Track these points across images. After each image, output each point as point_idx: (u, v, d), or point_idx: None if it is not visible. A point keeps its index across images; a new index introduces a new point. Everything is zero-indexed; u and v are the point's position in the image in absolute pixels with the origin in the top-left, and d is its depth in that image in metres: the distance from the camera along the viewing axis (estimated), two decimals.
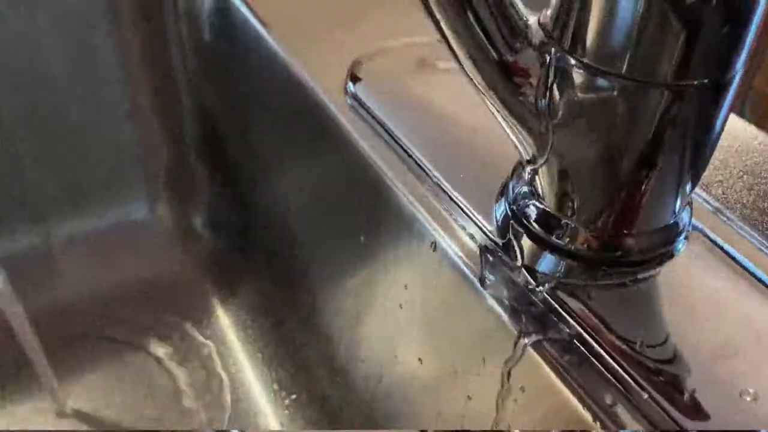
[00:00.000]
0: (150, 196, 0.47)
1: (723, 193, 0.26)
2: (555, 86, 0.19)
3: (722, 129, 0.19)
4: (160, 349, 0.45)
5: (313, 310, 0.39)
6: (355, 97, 0.31)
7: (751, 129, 0.30)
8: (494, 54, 0.19)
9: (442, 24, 0.19)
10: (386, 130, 0.29)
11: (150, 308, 0.46)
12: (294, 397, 0.41)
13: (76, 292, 0.47)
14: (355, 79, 0.31)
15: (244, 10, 0.37)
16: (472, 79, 0.20)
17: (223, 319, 0.46)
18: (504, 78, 0.19)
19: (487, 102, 0.21)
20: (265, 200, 0.43)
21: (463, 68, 0.20)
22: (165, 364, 0.44)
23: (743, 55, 0.18)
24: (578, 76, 0.18)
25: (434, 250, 0.25)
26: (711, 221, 0.24)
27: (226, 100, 0.41)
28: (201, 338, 0.45)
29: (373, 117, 0.29)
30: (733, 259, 0.23)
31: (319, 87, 0.32)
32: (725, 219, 0.25)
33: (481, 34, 0.19)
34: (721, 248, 0.23)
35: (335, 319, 0.37)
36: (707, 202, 0.25)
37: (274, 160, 0.40)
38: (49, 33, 0.40)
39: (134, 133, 0.44)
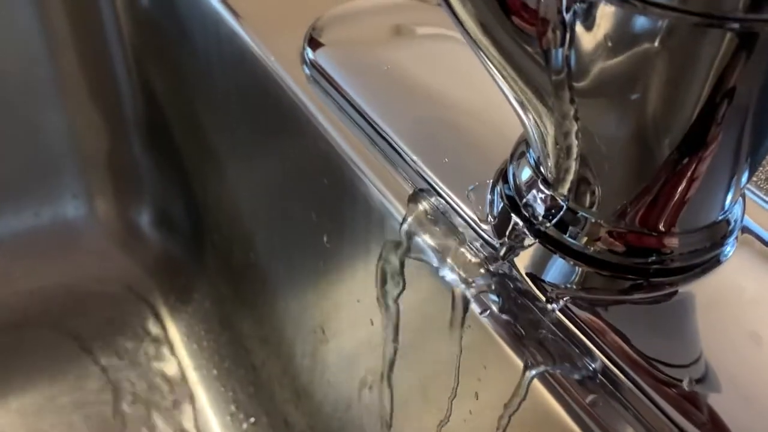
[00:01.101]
0: (87, 190, 0.41)
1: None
2: (573, 27, 0.13)
3: None
4: (100, 365, 0.39)
5: (273, 322, 0.34)
6: (314, 65, 0.25)
7: None
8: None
9: None
10: (353, 106, 0.23)
11: (90, 318, 0.41)
12: (253, 420, 0.36)
13: (2, 301, 0.41)
14: (315, 44, 0.26)
15: None
16: (460, 24, 0.15)
17: (173, 332, 0.40)
18: (506, 20, 0.14)
19: (483, 59, 0.15)
20: (218, 194, 0.37)
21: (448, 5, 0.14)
22: (108, 381, 0.38)
23: None
24: (608, 10, 0.13)
25: (406, 251, 0.20)
26: (764, 218, 0.19)
27: (169, 76, 0.36)
28: (148, 351, 0.39)
29: (337, 90, 0.24)
30: None
31: (272, 55, 0.26)
32: None
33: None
34: None
35: (298, 334, 0.31)
36: (756, 193, 0.20)
37: (227, 147, 0.34)
38: None
39: (65, 118, 0.38)
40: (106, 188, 0.41)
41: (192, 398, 0.37)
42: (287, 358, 0.33)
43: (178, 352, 0.39)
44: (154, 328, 0.40)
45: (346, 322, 0.26)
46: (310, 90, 0.25)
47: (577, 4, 0.13)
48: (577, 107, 0.15)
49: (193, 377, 0.38)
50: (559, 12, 0.14)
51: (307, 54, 0.26)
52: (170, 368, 0.39)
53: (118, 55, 0.35)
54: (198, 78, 0.34)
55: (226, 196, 0.36)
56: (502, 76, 0.15)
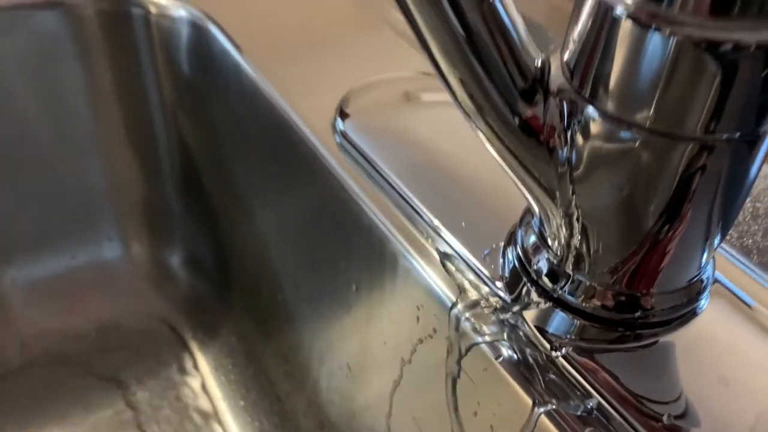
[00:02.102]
0: (123, 233, 0.45)
1: (739, 237, 0.25)
2: (574, 137, 0.17)
3: (754, 181, 0.18)
4: (134, 396, 0.42)
5: (299, 357, 0.37)
6: (344, 135, 0.29)
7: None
8: (505, 103, 0.17)
9: (445, 71, 0.17)
10: (379, 173, 0.27)
11: (124, 352, 0.44)
12: None
13: (44, 336, 0.44)
14: (344, 115, 0.29)
15: (222, 39, 0.35)
16: (478, 128, 0.18)
17: (202, 365, 0.43)
18: (517, 129, 0.17)
19: (493, 151, 0.19)
20: (246, 239, 0.40)
21: (465, 114, 0.18)
22: (140, 412, 0.41)
23: None
24: (600, 127, 0.17)
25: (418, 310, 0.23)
26: (730, 271, 0.23)
27: (204, 133, 0.39)
28: (178, 384, 0.42)
29: (365, 157, 0.28)
30: (762, 312, 0.21)
31: (305, 123, 0.30)
32: (745, 267, 0.23)
33: (488, 81, 0.17)
34: (750, 306, 0.21)
35: (323, 369, 0.35)
36: (723, 248, 0.24)
37: (256, 197, 0.38)
38: (12, 62, 0.38)
39: (105, 167, 0.42)
40: (141, 232, 0.45)
41: (222, 428, 0.40)
42: (312, 391, 0.36)
43: (207, 385, 0.42)
44: (183, 362, 0.43)
45: (372, 362, 0.29)
46: (341, 157, 0.28)
47: (576, 119, 0.17)
48: (577, 195, 0.18)
49: (222, 408, 0.41)
50: (562, 121, 0.17)
51: (338, 124, 0.29)
52: (200, 400, 0.42)
53: (157, 110, 0.39)
54: (230, 133, 0.37)
55: (254, 241, 0.39)
56: (510, 167, 0.19)
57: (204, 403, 0.41)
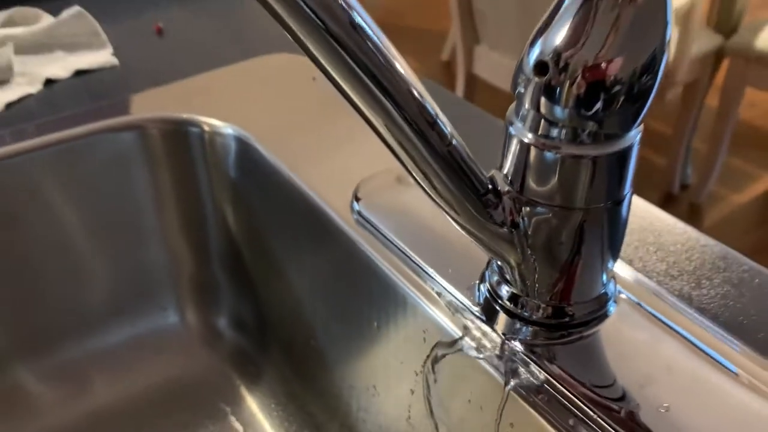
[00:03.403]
0: (179, 303, 0.55)
1: (643, 266, 0.36)
2: (523, 218, 0.28)
3: (626, 225, 0.29)
4: None
5: (331, 389, 0.47)
6: (360, 213, 0.40)
7: (657, 212, 0.40)
8: (475, 207, 0.27)
9: (429, 191, 0.27)
10: (389, 240, 0.38)
11: (185, 401, 0.53)
12: None
13: (113, 394, 0.54)
14: (358, 198, 0.41)
15: (260, 148, 0.46)
16: (456, 221, 0.29)
17: (251, 406, 0.53)
18: (485, 221, 0.28)
19: (465, 234, 0.29)
20: (281, 299, 0.51)
21: (446, 213, 0.28)
22: None
23: (628, 183, 0.27)
24: (533, 210, 0.27)
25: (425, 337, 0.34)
26: (634, 288, 0.33)
27: (245, 219, 0.50)
28: (234, 422, 0.51)
29: (377, 229, 0.38)
30: (653, 315, 0.32)
31: (329, 206, 0.41)
32: (645, 286, 0.34)
33: (463, 193, 0.27)
34: (642, 307, 0.32)
35: (353, 393, 0.44)
36: (629, 272, 0.35)
37: (290, 265, 0.48)
38: (95, 169, 0.49)
39: (165, 251, 0.53)
40: (193, 301, 0.55)
41: None
42: (345, 415, 0.46)
43: (256, 421, 0.52)
44: (234, 405, 0.53)
45: (392, 378, 0.39)
46: (358, 229, 0.39)
47: (521, 208, 0.28)
48: (529, 250, 0.29)
49: None
50: (513, 212, 0.28)
51: (354, 206, 0.40)
52: None
53: (208, 204, 0.50)
54: (267, 218, 0.48)
55: (288, 300, 0.50)
56: (480, 243, 0.30)
57: None
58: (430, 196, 0.27)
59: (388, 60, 0.23)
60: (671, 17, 0.25)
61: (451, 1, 1.70)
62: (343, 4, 0.22)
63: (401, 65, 0.24)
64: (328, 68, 0.23)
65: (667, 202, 1.87)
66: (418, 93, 0.24)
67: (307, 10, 0.22)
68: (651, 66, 0.25)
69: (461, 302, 0.33)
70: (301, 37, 0.22)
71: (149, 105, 0.51)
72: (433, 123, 0.25)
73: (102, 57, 0.58)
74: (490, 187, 0.28)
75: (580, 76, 0.24)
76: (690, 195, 1.88)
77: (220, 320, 0.56)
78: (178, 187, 0.50)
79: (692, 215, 1.84)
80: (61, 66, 0.57)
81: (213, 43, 0.62)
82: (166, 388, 0.54)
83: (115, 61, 0.58)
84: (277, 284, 0.50)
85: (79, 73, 0.57)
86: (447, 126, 0.26)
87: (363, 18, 0.22)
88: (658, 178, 1.93)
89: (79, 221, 0.51)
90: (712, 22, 1.75)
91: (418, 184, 0.27)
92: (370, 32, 0.23)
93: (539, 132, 0.26)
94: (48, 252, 0.49)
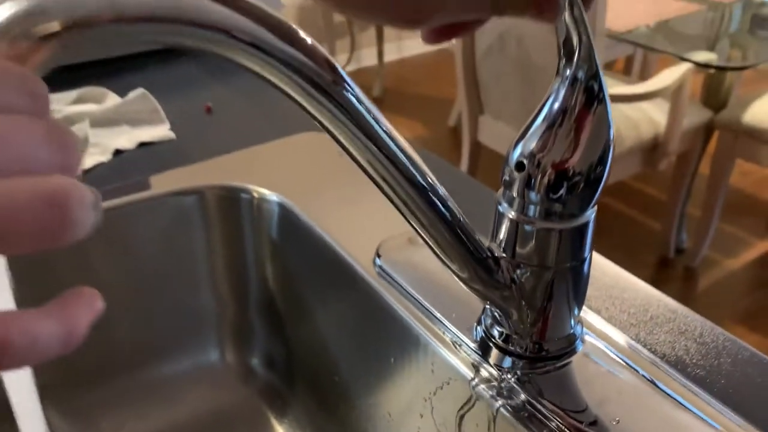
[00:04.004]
0: (218, 343, 0.64)
1: (608, 316, 0.45)
2: (517, 276, 0.37)
3: (587, 280, 0.38)
4: None
5: (352, 419, 0.55)
6: (382, 267, 0.49)
7: (624, 273, 0.49)
8: (479, 270, 0.37)
9: (441, 256, 0.37)
10: (403, 288, 0.47)
11: (223, 430, 0.61)
12: None
13: (162, 420, 0.62)
14: (380, 255, 0.50)
15: (299, 212, 0.56)
16: (465, 282, 0.38)
17: None
18: (488, 280, 0.37)
19: (472, 291, 0.39)
20: (308, 341, 0.59)
21: (455, 274, 0.38)
22: None
23: (587, 245, 0.37)
24: (523, 270, 0.37)
25: (432, 368, 0.43)
26: (600, 332, 0.42)
27: (281, 272, 0.60)
28: None
29: (394, 280, 0.48)
30: (612, 352, 0.41)
31: (355, 261, 0.50)
32: (609, 330, 0.43)
33: (467, 259, 0.37)
34: (605, 347, 0.41)
35: (370, 421, 0.53)
36: (597, 320, 0.43)
37: (318, 311, 0.57)
38: (158, 226, 0.58)
39: (211, 297, 0.62)
40: (231, 341, 0.64)
41: None
42: None
43: None
44: None
45: (405, 406, 0.48)
46: (380, 281, 0.49)
47: (514, 269, 0.37)
48: (522, 300, 0.38)
49: None
50: (509, 271, 0.37)
51: (376, 261, 0.50)
52: None
53: (251, 259, 0.59)
54: (300, 271, 0.58)
55: (314, 343, 0.58)
56: (480, 296, 0.39)
57: None
58: (445, 263, 0.37)
59: (407, 154, 0.33)
60: (612, 124, 0.35)
61: (458, 74, 1.84)
62: (368, 110, 0.31)
63: (417, 159, 0.34)
64: (362, 163, 0.33)
65: (662, 265, 1.96)
66: (432, 181, 0.34)
67: (339, 114, 0.31)
68: (601, 161, 0.34)
69: (462, 340, 0.42)
70: (344, 144, 0.32)
71: (203, 173, 0.61)
72: (445, 204, 0.34)
73: (161, 131, 0.69)
74: (489, 254, 0.37)
75: (548, 172, 0.34)
76: (685, 259, 1.96)
77: (254, 359, 0.64)
78: (226, 242, 0.59)
79: (687, 278, 1.92)
80: (127, 138, 0.67)
81: (253, 122, 0.73)
82: (207, 417, 0.62)
83: (172, 135, 0.69)
84: (306, 328, 0.59)
85: (142, 145, 0.68)
86: (455, 206, 0.35)
87: (383, 124, 0.32)
88: (654, 242, 2.01)
89: (144, 267, 0.60)
90: (702, 98, 1.88)
91: (437, 256, 0.36)
92: (393, 136, 0.32)
93: (521, 211, 0.36)
94: (116, 292, 0.58)
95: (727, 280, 1.92)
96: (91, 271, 0.58)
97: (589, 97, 0.32)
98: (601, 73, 0.33)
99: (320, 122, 0.30)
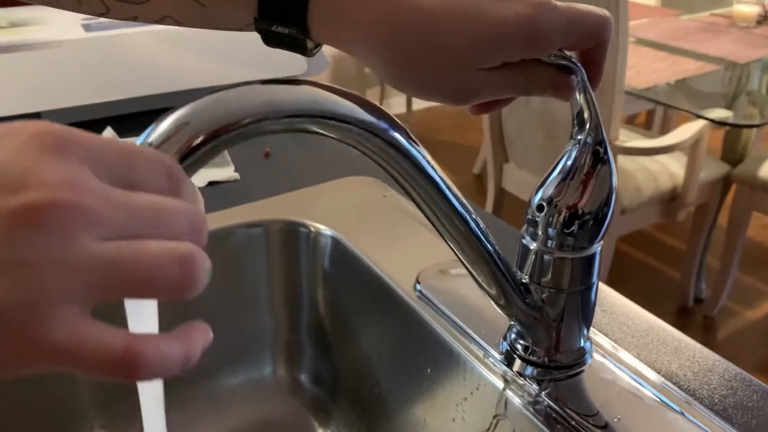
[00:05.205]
0: (273, 361, 0.72)
1: (615, 338, 0.52)
2: (547, 299, 0.46)
3: (595, 302, 0.46)
4: None
5: (388, 426, 0.63)
6: (422, 292, 0.57)
7: (631, 304, 0.57)
8: (513, 294, 0.45)
9: (484, 284, 0.45)
10: (440, 309, 0.55)
11: None
12: None
13: (219, 428, 0.70)
14: (420, 281, 0.59)
15: (349, 244, 0.65)
16: (498, 307, 0.47)
17: None
18: (521, 302, 0.46)
19: (500, 310, 0.47)
20: (352, 359, 0.68)
21: (492, 300, 0.46)
22: None
23: (594, 273, 0.45)
24: (548, 294, 0.45)
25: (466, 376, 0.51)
26: (608, 349, 0.50)
27: (330, 298, 0.68)
28: None
29: (434, 303, 0.56)
30: (616, 365, 0.48)
31: (398, 286, 0.59)
32: (615, 348, 0.51)
33: (505, 287, 0.45)
34: (612, 361, 0.48)
35: (407, 428, 0.60)
36: (606, 340, 0.51)
37: (362, 332, 0.65)
38: (224, 254, 0.68)
39: (269, 320, 0.71)
40: (283, 358, 0.72)
41: None
42: None
43: None
44: None
45: (439, 411, 0.55)
46: (420, 303, 0.57)
47: (543, 292, 0.45)
48: (548, 320, 0.46)
49: None
50: (538, 295, 0.46)
51: (417, 287, 0.58)
52: None
53: (305, 286, 0.68)
54: (347, 296, 0.66)
55: (358, 360, 0.67)
56: (514, 318, 0.47)
57: None
58: (483, 289, 0.45)
59: (461, 201, 0.42)
60: (615, 176, 0.43)
61: (485, 127, 1.94)
62: (435, 172, 0.41)
63: (466, 203, 0.42)
64: (423, 208, 0.42)
65: (681, 314, 2.00)
66: (477, 220, 0.43)
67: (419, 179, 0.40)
68: (606, 203, 0.43)
69: (490, 352, 0.50)
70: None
71: (265, 209, 0.70)
72: (488, 239, 0.43)
73: (227, 173, 0.79)
74: (521, 279, 0.45)
75: (563, 212, 0.43)
76: (704, 308, 2.01)
77: (303, 374, 0.72)
78: (285, 270, 0.68)
79: (706, 328, 1.97)
80: (199, 179, 0.77)
81: (306, 165, 0.82)
82: (258, 425, 0.70)
83: (237, 176, 0.79)
84: (350, 346, 0.67)
85: (211, 183, 0.78)
86: (494, 241, 0.44)
87: (445, 181, 0.41)
88: (673, 291, 2.07)
89: (213, 289, 0.69)
90: (721, 153, 1.95)
91: (478, 283, 0.45)
92: (452, 190, 0.41)
93: (541, 244, 0.44)
94: (187, 311, 0.67)
95: (745, 330, 1.96)
96: None
97: (596, 158, 0.41)
98: (606, 139, 0.41)
99: (396, 179, 0.40)
